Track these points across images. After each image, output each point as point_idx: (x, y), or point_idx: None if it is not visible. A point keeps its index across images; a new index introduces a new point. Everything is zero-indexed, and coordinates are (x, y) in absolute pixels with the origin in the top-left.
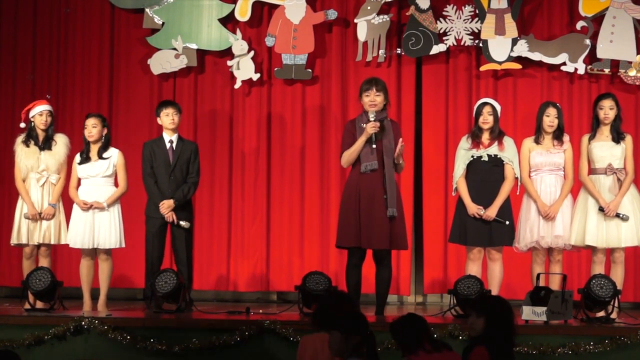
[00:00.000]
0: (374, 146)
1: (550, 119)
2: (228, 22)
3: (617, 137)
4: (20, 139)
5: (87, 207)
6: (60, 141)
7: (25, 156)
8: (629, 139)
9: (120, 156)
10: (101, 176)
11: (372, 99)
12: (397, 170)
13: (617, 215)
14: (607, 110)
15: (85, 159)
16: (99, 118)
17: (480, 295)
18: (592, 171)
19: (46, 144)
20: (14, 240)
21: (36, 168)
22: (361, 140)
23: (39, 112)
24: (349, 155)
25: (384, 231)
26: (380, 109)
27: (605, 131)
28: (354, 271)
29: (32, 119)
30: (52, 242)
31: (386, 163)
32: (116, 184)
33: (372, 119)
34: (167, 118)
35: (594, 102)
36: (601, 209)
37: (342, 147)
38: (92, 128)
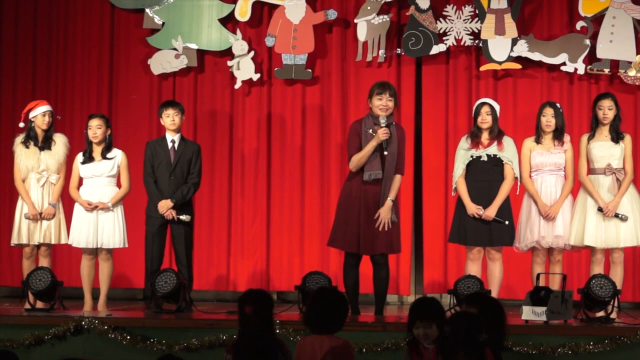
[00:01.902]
0: (386, 152)
1: (546, 118)
2: (228, 22)
3: (617, 137)
4: (19, 139)
5: (92, 207)
6: (60, 141)
7: (25, 156)
8: (628, 138)
9: (123, 157)
10: (106, 176)
11: (385, 104)
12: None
13: (616, 216)
14: (606, 110)
15: (89, 158)
16: (103, 119)
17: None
18: (591, 171)
19: (46, 144)
20: (14, 241)
21: (36, 168)
22: (371, 146)
23: (42, 113)
24: (358, 160)
25: (383, 237)
26: (389, 114)
27: (604, 131)
28: (352, 271)
29: (32, 119)
30: (53, 242)
31: (387, 172)
32: (118, 184)
33: (383, 125)
34: (168, 119)
35: (593, 102)
36: (600, 209)
37: (349, 149)
38: (97, 129)
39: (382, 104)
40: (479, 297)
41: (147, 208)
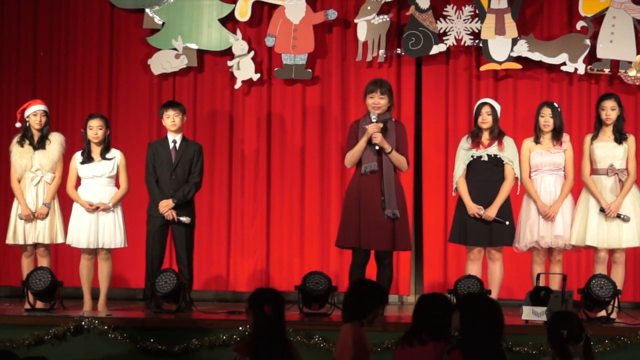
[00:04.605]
0: (377, 147)
1: (545, 119)
2: (228, 22)
3: (620, 138)
4: (15, 139)
5: (93, 208)
6: (55, 140)
7: (19, 156)
8: (631, 139)
9: (122, 157)
10: (106, 176)
11: (376, 102)
12: (400, 169)
13: (618, 216)
14: (609, 111)
15: (88, 159)
16: (103, 120)
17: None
18: (593, 171)
19: (41, 144)
20: (9, 241)
21: (30, 167)
22: (363, 141)
23: (33, 112)
24: (351, 156)
25: (384, 232)
26: (384, 111)
27: (607, 131)
28: (357, 271)
29: (27, 119)
30: (47, 242)
31: (385, 164)
32: (117, 184)
33: (374, 121)
34: (168, 120)
35: (596, 103)
36: (602, 210)
37: (347, 148)
38: (98, 130)
39: (373, 102)
40: (467, 297)
41: (148, 208)
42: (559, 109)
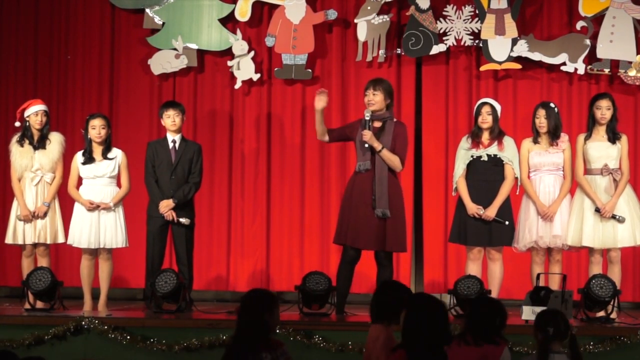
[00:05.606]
0: (367, 145)
1: (539, 120)
2: (228, 22)
3: (613, 138)
4: (15, 138)
5: (94, 207)
6: (55, 140)
7: (19, 155)
8: (624, 139)
9: (123, 157)
10: (108, 176)
11: (369, 98)
12: (393, 168)
13: (614, 217)
14: (604, 110)
15: (89, 159)
16: (105, 119)
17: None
18: (587, 171)
19: (40, 143)
20: (9, 240)
21: (30, 167)
22: (316, 112)
23: (34, 112)
24: (316, 125)
25: (372, 232)
26: (381, 108)
27: (601, 131)
28: (345, 268)
29: (27, 119)
30: (49, 242)
31: (377, 163)
32: (118, 184)
33: (367, 117)
34: (169, 120)
35: (590, 102)
36: (597, 210)
37: None
38: (102, 129)
39: (366, 99)
40: (412, 296)
41: (148, 208)
42: (555, 109)
